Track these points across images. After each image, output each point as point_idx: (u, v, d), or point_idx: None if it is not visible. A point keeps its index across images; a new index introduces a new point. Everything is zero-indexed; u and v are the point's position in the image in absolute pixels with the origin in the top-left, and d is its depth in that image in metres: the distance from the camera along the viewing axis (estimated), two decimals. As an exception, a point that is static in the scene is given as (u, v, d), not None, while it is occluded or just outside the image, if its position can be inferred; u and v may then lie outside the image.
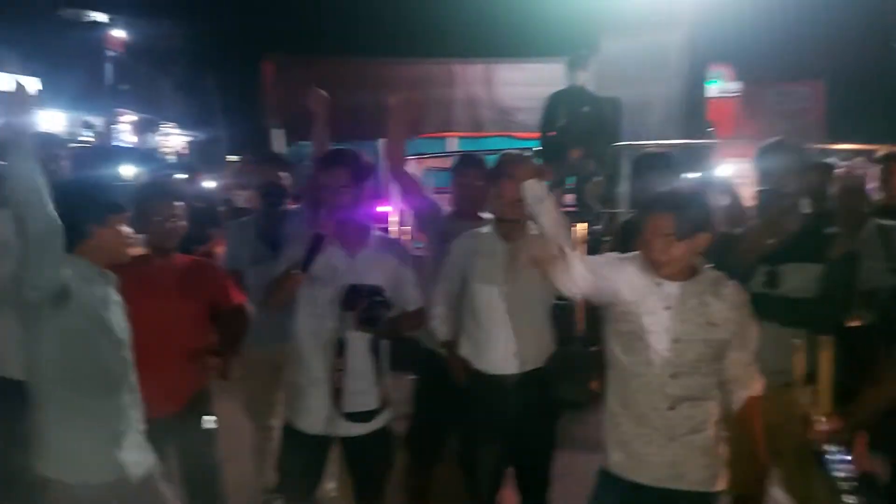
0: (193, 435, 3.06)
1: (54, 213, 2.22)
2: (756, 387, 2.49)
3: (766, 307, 2.71)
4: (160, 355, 2.74)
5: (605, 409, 2.53)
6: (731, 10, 7.55)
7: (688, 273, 2.43)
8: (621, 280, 2.45)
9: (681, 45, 7.70)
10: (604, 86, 7.54)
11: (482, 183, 3.42)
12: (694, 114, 7.80)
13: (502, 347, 3.11)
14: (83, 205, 2.41)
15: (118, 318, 2.49)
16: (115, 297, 2.51)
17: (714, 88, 8.78)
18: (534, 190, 2.58)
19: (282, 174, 3.91)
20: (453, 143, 9.55)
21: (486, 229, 3.22)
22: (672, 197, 2.46)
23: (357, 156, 2.95)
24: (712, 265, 2.48)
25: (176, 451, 3.02)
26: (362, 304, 2.77)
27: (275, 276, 2.91)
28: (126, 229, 2.48)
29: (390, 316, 2.85)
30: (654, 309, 2.40)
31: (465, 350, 3.21)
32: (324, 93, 3.53)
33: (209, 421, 3.14)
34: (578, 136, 6.18)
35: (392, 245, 3.08)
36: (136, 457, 2.47)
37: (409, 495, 3.68)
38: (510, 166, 3.02)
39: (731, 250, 2.93)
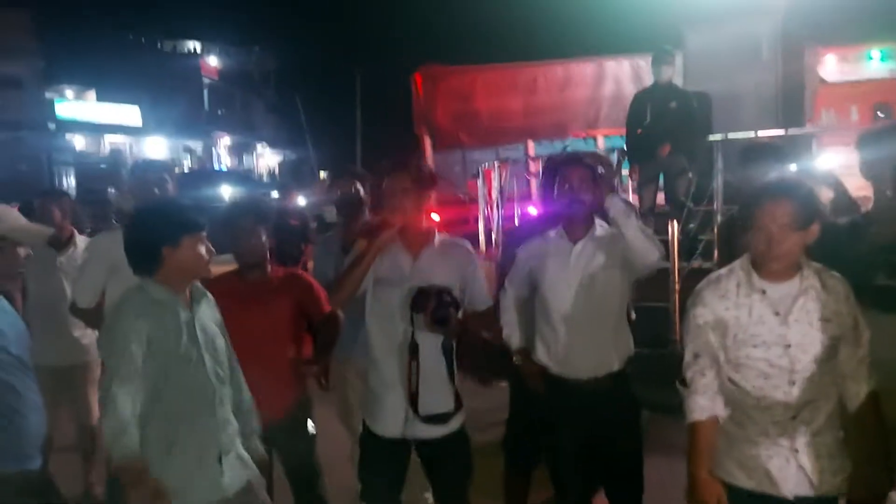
0: (296, 442, 3.15)
1: None
2: (872, 382, 2.33)
3: (890, 299, 2.56)
4: (258, 366, 2.81)
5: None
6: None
7: (793, 270, 2.30)
8: (724, 322, 2.34)
9: (773, 32, 7.36)
10: (693, 79, 7.34)
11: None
12: (791, 103, 7.44)
13: (578, 351, 3.03)
14: (154, 229, 2.46)
15: (206, 335, 2.53)
16: (206, 312, 2.58)
17: (828, 72, 8.31)
18: (616, 205, 2.51)
19: (358, 187, 3.96)
20: (601, 142, 9.46)
21: (554, 232, 3.16)
22: (787, 184, 2.32)
23: (419, 161, 2.99)
24: (823, 257, 2.35)
25: (279, 458, 3.11)
26: (431, 305, 2.74)
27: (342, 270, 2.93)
28: (202, 248, 2.50)
29: (459, 316, 2.82)
30: (763, 319, 2.28)
31: (540, 356, 3.15)
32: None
33: (310, 427, 3.21)
34: (666, 133, 6.01)
35: (456, 246, 3.05)
36: (236, 471, 2.53)
37: (506, 501, 3.65)
38: (580, 167, 2.99)
39: (844, 242, 2.76)
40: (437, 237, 2.97)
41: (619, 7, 8.48)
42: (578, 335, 3.00)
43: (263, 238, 3.15)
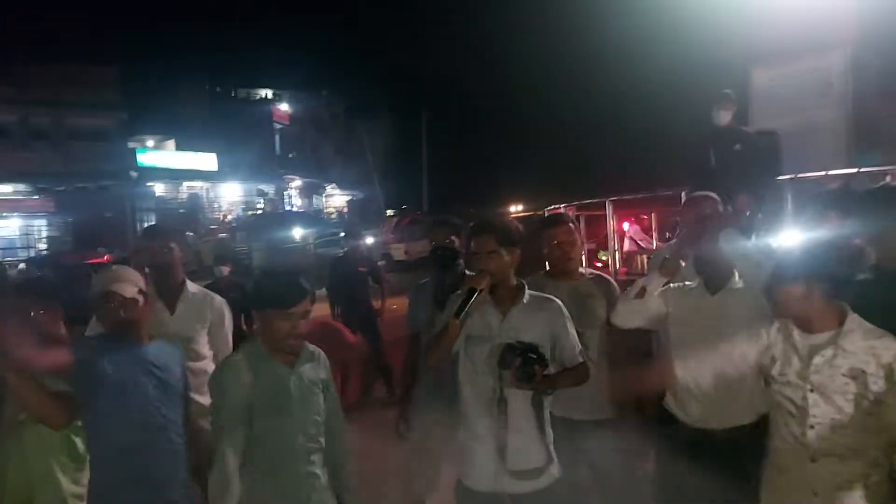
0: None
1: None
2: None
3: None
4: None
5: None
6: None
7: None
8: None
9: (842, 67, 7.19)
10: (760, 118, 7.23)
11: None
12: (865, 140, 7.23)
13: (706, 400, 3.04)
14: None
15: (300, 391, 2.75)
16: (307, 370, 2.80)
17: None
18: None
19: (453, 238, 3.98)
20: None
21: (691, 283, 3.18)
22: None
23: (504, 220, 3.08)
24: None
25: None
26: (517, 361, 2.81)
27: (434, 332, 3.02)
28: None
29: (550, 373, 2.88)
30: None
31: (669, 402, 3.17)
32: None
33: None
34: (733, 177, 5.93)
35: (547, 301, 3.10)
36: None
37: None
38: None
39: None
40: (527, 293, 3.04)
41: (683, 46, 8.44)
42: (705, 382, 3.03)
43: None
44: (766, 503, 2.57)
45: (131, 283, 2.89)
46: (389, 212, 36.19)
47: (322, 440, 2.77)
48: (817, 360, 2.41)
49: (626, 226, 8.39)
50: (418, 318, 3.86)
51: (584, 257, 7.58)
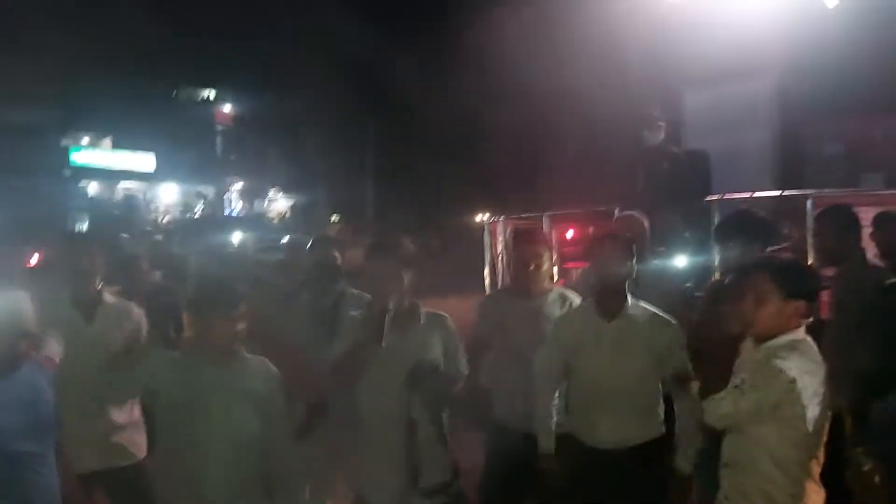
0: None
1: None
2: None
3: None
4: None
5: None
6: (821, 48, 7.23)
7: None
8: None
9: (769, 91, 7.47)
10: (692, 139, 7.43)
11: None
12: (789, 163, 7.51)
13: (608, 422, 3.13)
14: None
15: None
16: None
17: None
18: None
19: (334, 253, 3.94)
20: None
21: (584, 305, 3.24)
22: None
23: (403, 243, 3.03)
24: None
25: None
26: (426, 382, 2.85)
27: (341, 352, 2.97)
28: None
29: (449, 389, 2.97)
30: None
31: (575, 426, 3.24)
32: None
33: None
34: (659, 195, 6.06)
35: (438, 319, 3.10)
36: None
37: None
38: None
39: None
40: (422, 312, 3.03)
41: (614, 68, 8.64)
42: (607, 406, 3.15)
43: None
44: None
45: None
46: (334, 217, 35.84)
47: (251, 457, 2.72)
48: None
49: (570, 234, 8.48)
50: (290, 330, 3.75)
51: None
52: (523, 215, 8.63)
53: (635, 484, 3.04)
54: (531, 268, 3.61)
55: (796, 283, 2.49)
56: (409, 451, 2.86)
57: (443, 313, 3.13)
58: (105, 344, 3.55)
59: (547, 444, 3.29)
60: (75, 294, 3.61)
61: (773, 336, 2.47)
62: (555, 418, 3.33)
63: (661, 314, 3.20)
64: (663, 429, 3.21)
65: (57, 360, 2.86)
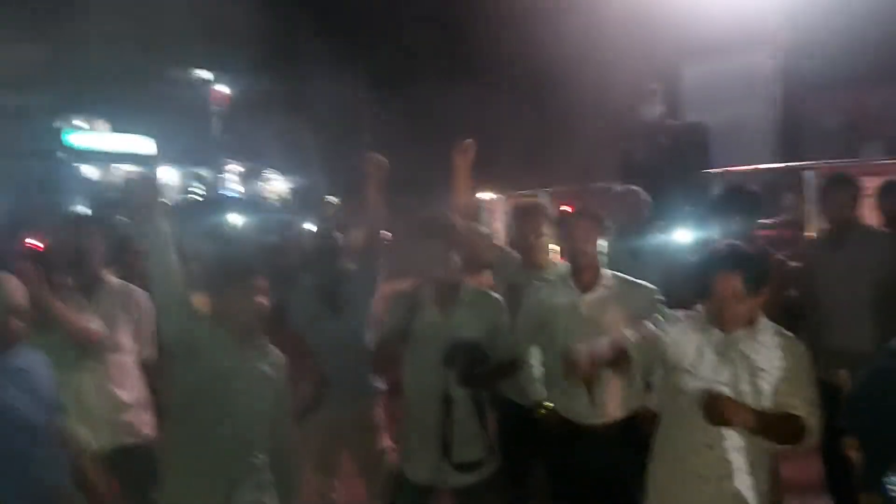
0: None
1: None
2: None
3: None
4: None
5: None
6: (820, 20, 7.17)
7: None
8: None
9: (770, 66, 7.42)
10: (691, 113, 7.39)
11: None
12: (789, 135, 7.47)
13: (586, 398, 3.10)
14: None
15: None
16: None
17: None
18: None
19: (336, 235, 3.98)
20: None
21: (559, 278, 3.23)
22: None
23: (448, 224, 3.14)
24: None
25: None
26: (462, 361, 2.89)
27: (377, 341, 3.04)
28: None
29: (488, 370, 3.00)
30: None
31: (553, 399, 3.22)
32: (380, 157, 3.62)
33: None
34: (658, 170, 6.04)
35: (485, 298, 3.14)
36: None
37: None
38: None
39: None
40: (465, 290, 3.06)
41: (613, 43, 8.57)
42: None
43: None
44: (656, 493, 2.61)
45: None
46: (332, 199, 35.74)
47: (263, 440, 2.75)
48: (733, 354, 2.49)
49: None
50: (300, 320, 3.75)
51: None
52: (523, 192, 8.61)
53: (618, 459, 3.06)
54: (532, 239, 3.59)
55: (763, 278, 2.48)
56: (445, 427, 2.92)
57: (490, 291, 3.17)
58: (107, 326, 3.57)
59: (534, 391, 3.28)
60: (76, 276, 3.64)
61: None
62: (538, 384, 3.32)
63: (635, 281, 3.18)
64: (643, 399, 3.20)
65: None
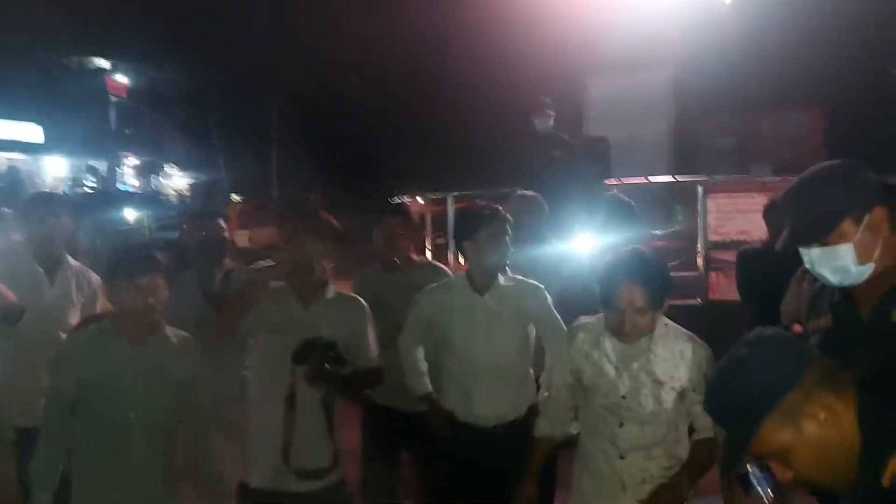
0: None
1: None
2: None
3: None
4: None
5: None
6: (717, 44, 7.58)
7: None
8: None
9: (666, 84, 7.79)
10: (594, 126, 7.65)
11: None
12: (684, 152, 7.86)
13: (483, 399, 3.13)
14: None
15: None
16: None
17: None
18: None
19: (224, 227, 3.96)
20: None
21: (457, 280, 3.26)
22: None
23: (325, 221, 3.01)
24: None
25: None
26: (315, 359, 2.68)
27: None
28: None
29: (344, 373, 2.78)
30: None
31: (448, 402, 3.23)
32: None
33: None
34: (553, 182, 6.20)
35: (350, 301, 3.06)
36: None
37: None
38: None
39: None
40: (332, 289, 2.97)
41: (521, 55, 8.78)
42: (483, 382, 3.15)
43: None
44: (577, 501, 2.67)
45: None
46: (236, 197, 34.77)
47: (166, 440, 2.65)
48: (634, 366, 2.48)
49: None
50: (183, 314, 3.45)
51: (428, 250, 7.70)
52: (432, 196, 8.65)
53: (516, 459, 2.99)
54: (394, 239, 3.66)
55: (665, 289, 2.44)
56: (286, 428, 2.74)
57: (356, 296, 3.10)
58: (63, 306, 3.58)
59: (421, 387, 3.27)
60: (39, 254, 3.60)
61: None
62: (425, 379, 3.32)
63: (528, 281, 3.25)
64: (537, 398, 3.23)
65: None
